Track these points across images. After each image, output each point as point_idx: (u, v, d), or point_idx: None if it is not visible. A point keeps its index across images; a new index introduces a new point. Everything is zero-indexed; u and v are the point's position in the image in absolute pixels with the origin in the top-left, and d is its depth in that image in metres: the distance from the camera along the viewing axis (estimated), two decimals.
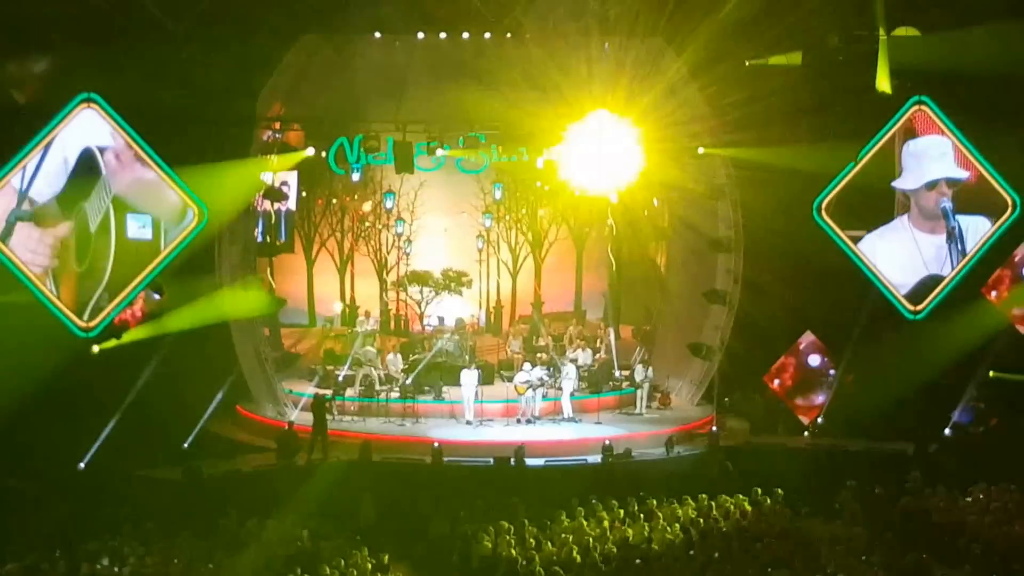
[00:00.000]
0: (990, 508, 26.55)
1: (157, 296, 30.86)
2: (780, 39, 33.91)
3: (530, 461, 30.31)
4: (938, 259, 33.03)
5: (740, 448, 32.46)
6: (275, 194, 33.96)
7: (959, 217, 32.87)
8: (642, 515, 26.29)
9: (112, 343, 30.15)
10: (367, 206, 37.58)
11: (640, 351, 35.67)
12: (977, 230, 33.11)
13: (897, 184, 32.89)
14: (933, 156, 32.83)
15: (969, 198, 33.07)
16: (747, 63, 34.26)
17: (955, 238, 32.87)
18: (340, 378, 33.75)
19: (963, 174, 32.85)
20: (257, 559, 23.59)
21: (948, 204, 32.85)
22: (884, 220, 33.04)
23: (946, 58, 32.97)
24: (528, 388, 32.86)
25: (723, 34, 33.43)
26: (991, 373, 33.86)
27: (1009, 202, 33.00)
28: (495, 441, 31.50)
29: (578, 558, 23.44)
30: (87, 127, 28.48)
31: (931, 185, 32.92)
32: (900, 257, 32.96)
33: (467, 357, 35.15)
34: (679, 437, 32.04)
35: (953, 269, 32.95)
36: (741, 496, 27.43)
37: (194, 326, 31.12)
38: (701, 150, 33.45)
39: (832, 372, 34.66)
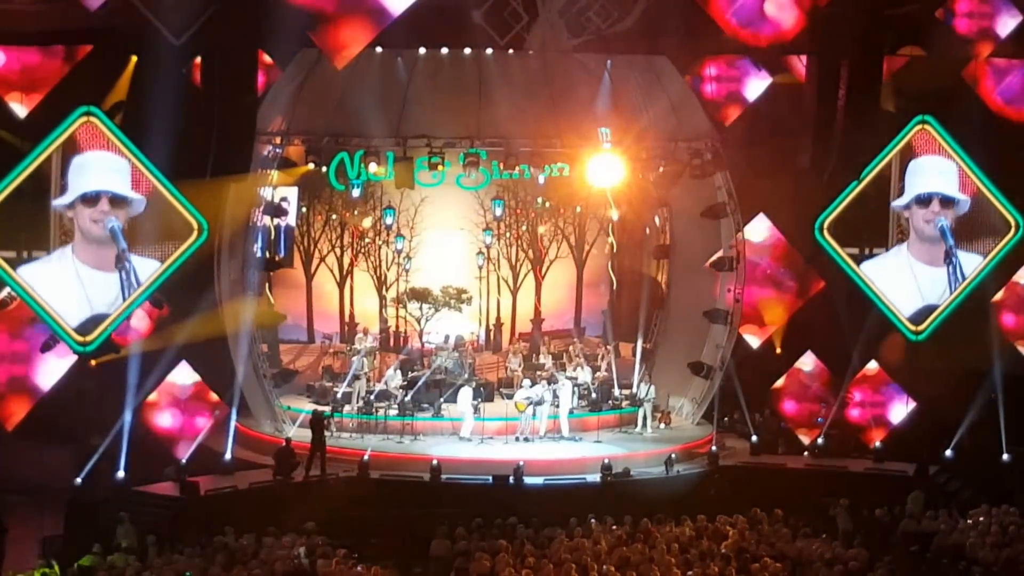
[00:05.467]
0: (991, 531, 26.44)
1: (156, 310, 30.91)
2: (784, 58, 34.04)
3: (529, 480, 30.20)
4: (935, 291, 33.02)
5: (740, 468, 32.38)
6: (275, 209, 33.87)
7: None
8: (641, 535, 26.15)
9: (110, 357, 30.19)
10: (367, 222, 37.43)
11: (641, 369, 35.55)
12: (972, 265, 33.14)
13: (895, 203, 32.89)
14: (930, 172, 32.86)
15: (968, 227, 33.09)
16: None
17: (952, 257, 32.84)
18: (339, 395, 33.66)
19: (958, 195, 32.79)
20: None
21: (945, 223, 32.82)
22: (880, 239, 33.04)
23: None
24: (529, 405, 32.76)
25: (726, 52, 33.53)
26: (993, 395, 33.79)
27: (1012, 223, 32.97)
28: (494, 459, 31.38)
29: None
30: None
31: (922, 201, 32.87)
32: (896, 286, 32.96)
33: (466, 375, 35.05)
34: (679, 456, 31.92)
35: (951, 292, 32.95)
36: (740, 516, 27.32)
37: (193, 341, 31.14)
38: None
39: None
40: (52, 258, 29.17)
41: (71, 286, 29.16)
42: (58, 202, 29.13)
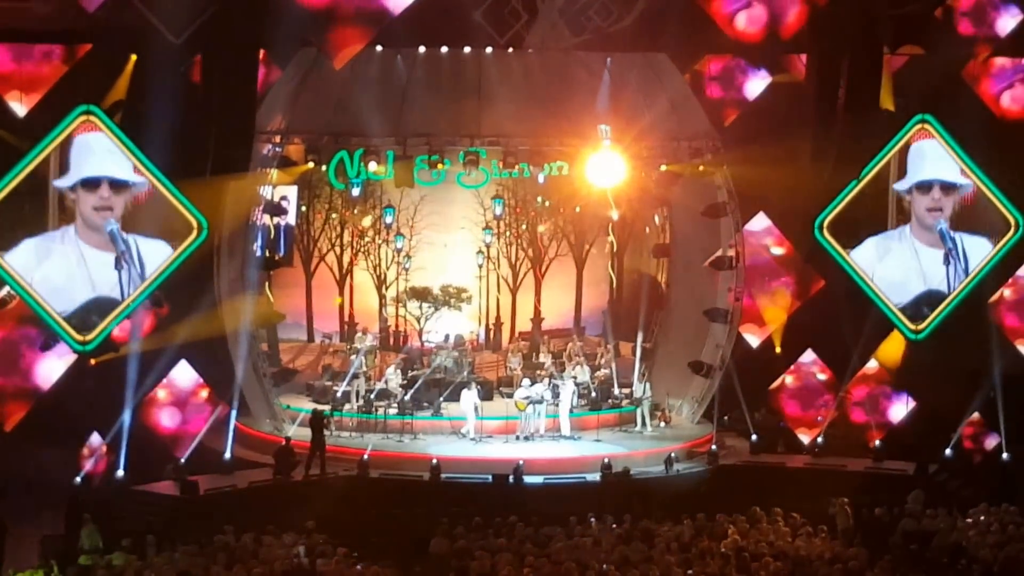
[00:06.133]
0: (990, 530, 26.43)
1: (156, 309, 30.89)
2: (784, 56, 34.02)
3: (529, 479, 30.19)
4: (937, 273, 32.97)
5: (739, 467, 32.36)
6: (274, 208, 33.85)
7: (959, 235, 32.86)
8: (640, 534, 26.13)
9: (109, 356, 30.19)
10: (367, 221, 37.40)
11: (641, 368, 35.54)
12: (976, 250, 33.07)
13: (896, 186, 32.82)
14: (931, 157, 32.81)
15: (968, 217, 33.05)
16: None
17: (953, 259, 32.83)
18: (338, 394, 33.65)
19: (959, 180, 32.77)
20: (253, 575, 23.45)
21: (944, 225, 32.82)
22: None
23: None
24: (529, 404, 32.75)
25: (726, 50, 33.51)
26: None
27: (1012, 222, 32.97)
28: (494, 458, 31.38)
29: None
30: None
31: (923, 187, 32.84)
32: (899, 267, 32.96)
33: (466, 373, 35.03)
34: (679, 455, 31.91)
35: (953, 287, 32.94)
36: (740, 515, 27.30)
37: (193, 339, 31.11)
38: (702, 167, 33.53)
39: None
40: (55, 236, 29.12)
41: (74, 267, 29.13)
42: (60, 184, 29.09)
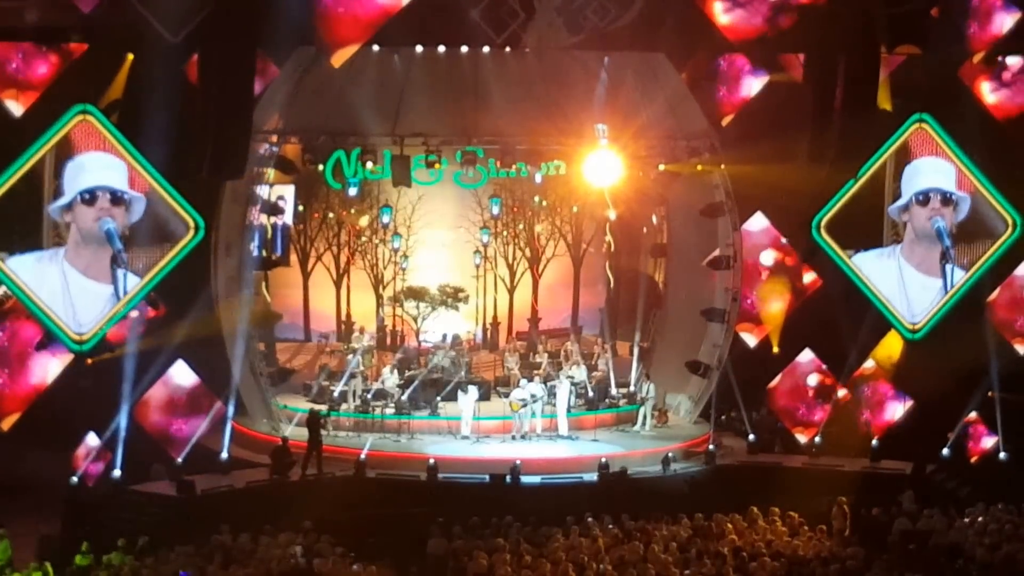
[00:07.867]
0: (987, 530, 26.41)
1: (152, 309, 30.84)
2: (781, 56, 34.01)
3: (526, 479, 30.17)
4: (923, 300, 33.00)
5: (737, 466, 32.35)
6: (271, 208, 33.81)
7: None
8: (638, 533, 26.11)
9: (106, 356, 30.16)
10: (364, 220, 37.39)
11: (640, 368, 35.53)
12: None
13: (892, 207, 32.85)
14: (927, 171, 32.86)
15: (966, 226, 33.10)
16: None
17: (949, 258, 32.85)
18: (335, 393, 33.62)
19: (957, 192, 32.79)
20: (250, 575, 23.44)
21: (942, 223, 32.81)
22: (875, 238, 33.03)
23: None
24: (523, 404, 32.71)
25: (724, 50, 33.49)
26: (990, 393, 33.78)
27: (1009, 221, 32.98)
28: (491, 458, 31.35)
29: None
30: None
31: (922, 198, 32.85)
32: (884, 288, 32.96)
33: (463, 373, 35.00)
34: (676, 455, 31.90)
35: (946, 292, 32.99)
36: (737, 515, 27.29)
37: (190, 339, 31.08)
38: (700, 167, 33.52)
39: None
40: (44, 256, 29.13)
41: (57, 290, 29.11)
42: (55, 204, 29.07)
